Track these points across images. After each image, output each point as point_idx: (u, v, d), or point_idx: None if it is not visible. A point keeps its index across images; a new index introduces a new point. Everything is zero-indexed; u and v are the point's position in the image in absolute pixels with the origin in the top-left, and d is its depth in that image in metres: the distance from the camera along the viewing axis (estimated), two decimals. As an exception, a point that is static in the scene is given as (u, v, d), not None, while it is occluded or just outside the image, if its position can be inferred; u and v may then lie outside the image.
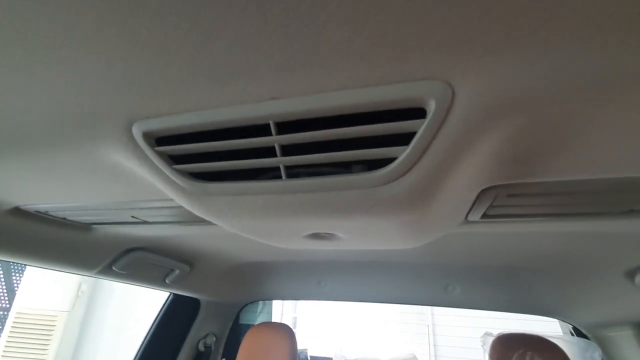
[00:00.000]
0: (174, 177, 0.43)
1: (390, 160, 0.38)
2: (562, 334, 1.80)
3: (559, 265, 1.09)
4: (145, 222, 0.81)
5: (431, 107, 0.31)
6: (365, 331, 5.00)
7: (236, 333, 1.91)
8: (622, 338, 1.29)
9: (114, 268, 1.06)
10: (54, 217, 0.79)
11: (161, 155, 0.41)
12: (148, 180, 0.48)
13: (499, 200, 0.50)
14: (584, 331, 1.45)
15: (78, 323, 4.59)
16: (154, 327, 1.49)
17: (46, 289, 4.32)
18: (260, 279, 1.69)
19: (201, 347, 1.66)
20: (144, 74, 0.31)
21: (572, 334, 1.61)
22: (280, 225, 0.50)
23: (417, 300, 1.56)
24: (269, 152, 0.39)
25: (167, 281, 1.28)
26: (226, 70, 0.30)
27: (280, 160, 0.39)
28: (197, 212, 0.48)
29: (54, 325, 4.32)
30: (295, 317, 5.39)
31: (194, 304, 1.63)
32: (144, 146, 0.41)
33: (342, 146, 0.36)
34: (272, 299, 1.83)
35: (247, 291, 1.74)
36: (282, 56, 0.28)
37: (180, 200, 0.45)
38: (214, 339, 1.71)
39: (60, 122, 0.40)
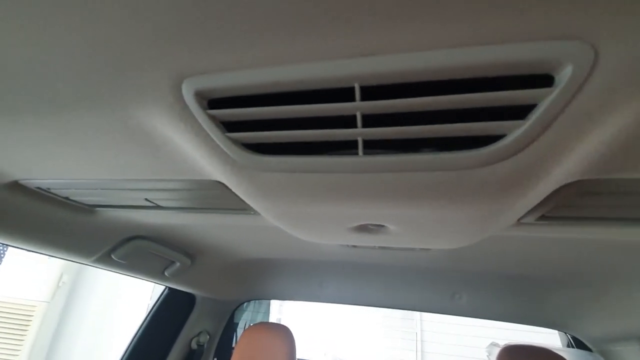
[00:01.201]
0: (225, 146, 0.36)
1: (495, 138, 0.32)
2: (560, 345, 1.78)
3: (576, 276, 1.07)
4: (158, 207, 0.75)
5: (564, 74, 0.26)
6: (351, 335, 4.94)
7: (229, 332, 1.84)
8: (629, 352, 1.28)
9: (113, 256, 0.99)
10: (56, 195, 0.72)
11: (213, 119, 0.35)
12: (185, 153, 0.42)
13: (567, 198, 0.46)
14: (589, 344, 1.43)
15: (57, 315, 4.42)
16: (146, 321, 1.41)
17: (25, 277, 4.14)
18: (260, 277, 1.63)
19: (194, 346, 1.58)
20: (202, 17, 0.26)
21: (572, 346, 1.60)
22: (333, 212, 0.45)
23: (422, 306, 1.52)
24: (342, 122, 0.33)
25: (166, 274, 1.20)
26: (309, 15, 0.25)
27: (361, 133, 0.33)
28: (241, 192, 0.41)
29: (32, 316, 4.14)
30: (280, 319, 5.29)
31: (189, 300, 1.55)
32: (195, 108, 0.34)
33: (428, 120, 0.31)
34: (269, 299, 1.76)
35: (245, 289, 1.68)
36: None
37: (225, 176, 0.39)
38: (207, 337, 1.64)
39: (87, 74, 0.34)
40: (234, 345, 1.91)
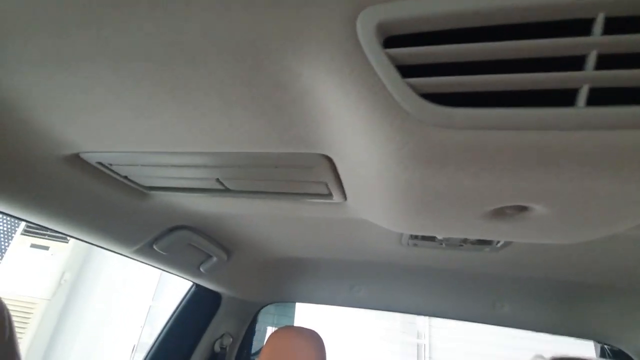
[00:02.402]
0: (399, 95, 0.29)
1: None
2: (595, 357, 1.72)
3: (630, 282, 1.01)
4: (224, 191, 0.69)
5: None
6: (347, 341, 4.79)
7: (248, 337, 1.76)
8: None
9: (155, 247, 0.92)
10: (116, 174, 0.66)
11: (392, 61, 0.28)
12: (314, 112, 0.36)
13: None
14: (635, 359, 1.36)
15: (57, 313, 4.31)
16: (173, 318, 1.34)
17: (26, 274, 4.04)
18: (288, 277, 1.57)
19: (217, 348, 1.51)
20: None
21: (609, 357, 1.53)
22: (483, 187, 0.38)
23: (461, 315, 1.46)
24: (552, 64, 0.27)
25: (201, 269, 1.14)
26: None
27: (592, 77, 0.26)
28: (407, 154, 0.35)
29: (31, 313, 4.04)
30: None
31: (215, 299, 1.48)
32: (371, 47, 0.28)
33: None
34: (294, 301, 1.69)
35: (271, 290, 1.61)
36: None
37: (393, 133, 0.32)
38: (230, 340, 1.56)
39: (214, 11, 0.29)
40: (253, 351, 1.83)
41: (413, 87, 0.29)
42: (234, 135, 0.47)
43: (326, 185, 0.59)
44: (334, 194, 0.62)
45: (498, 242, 0.81)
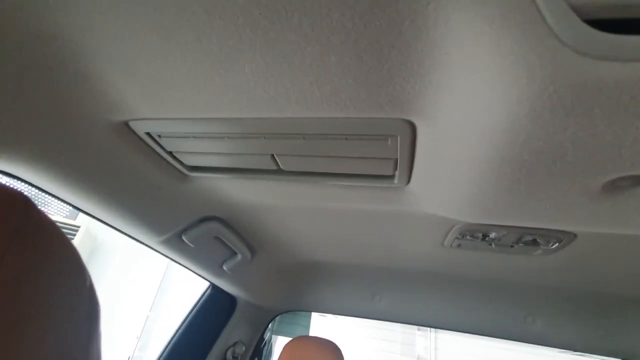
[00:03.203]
0: (557, 20, 0.25)
1: None
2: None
3: None
4: (277, 172, 0.64)
5: None
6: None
7: (260, 344, 1.67)
8: None
9: (183, 238, 0.87)
10: (162, 149, 0.62)
11: None
12: (438, 54, 0.32)
13: None
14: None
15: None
16: (186, 322, 1.27)
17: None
18: (308, 284, 1.50)
19: (229, 357, 1.42)
20: None
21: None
22: (626, 143, 0.34)
23: (487, 330, 1.38)
24: None
25: (224, 267, 1.08)
26: None
27: None
28: (549, 96, 0.30)
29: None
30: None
31: (230, 303, 1.41)
32: None
33: None
34: (312, 311, 1.62)
35: (288, 297, 1.54)
36: None
37: (537, 69, 0.28)
38: (243, 348, 1.48)
39: None
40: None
41: (576, 10, 0.25)
42: (314, 95, 0.43)
43: (395, 162, 0.55)
44: (398, 175, 0.58)
45: (555, 243, 0.76)
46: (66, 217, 4.52)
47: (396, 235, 0.92)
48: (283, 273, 1.37)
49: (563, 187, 0.44)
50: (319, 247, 1.14)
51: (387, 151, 0.52)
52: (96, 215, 0.74)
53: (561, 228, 0.58)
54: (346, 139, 0.50)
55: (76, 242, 4.26)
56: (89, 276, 0.30)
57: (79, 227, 4.42)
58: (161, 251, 0.92)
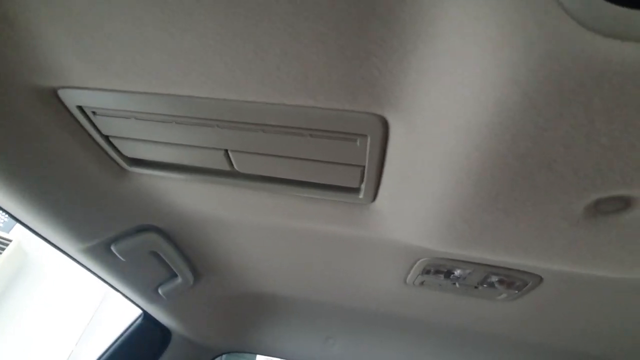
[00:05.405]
0: None
1: None
2: None
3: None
4: (229, 173, 0.56)
5: None
6: None
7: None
8: None
9: (112, 248, 0.75)
10: (96, 130, 0.53)
11: None
12: (421, 31, 0.28)
13: None
14: None
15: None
16: (107, 356, 1.07)
17: None
18: (256, 320, 1.35)
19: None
20: None
21: None
22: (621, 150, 0.30)
23: None
24: None
25: (160, 291, 0.94)
26: None
27: None
28: (545, 76, 0.25)
29: None
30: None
31: (163, 337, 1.23)
32: None
33: None
34: (257, 353, 1.44)
35: (233, 334, 1.37)
36: None
37: (534, 44, 0.24)
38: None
39: None
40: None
41: None
42: (280, 73, 0.37)
43: (362, 172, 0.49)
44: (364, 188, 0.52)
45: (519, 287, 0.72)
46: (-1, 229, 4.04)
47: (357, 266, 0.84)
48: (229, 305, 1.22)
49: (544, 206, 0.39)
50: (271, 277, 1.03)
51: (354, 155, 0.47)
52: (3, 207, 0.61)
53: (532, 263, 0.53)
54: (311, 135, 0.45)
55: (3, 257, 3.77)
56: None
57: (10, 240, 3.94)
58: (82, 262, 0.78)
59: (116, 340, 1.12)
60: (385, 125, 0.41)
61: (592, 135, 0.30)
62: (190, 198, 0.68)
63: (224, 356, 1.47)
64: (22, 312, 4.02)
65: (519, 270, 0.67)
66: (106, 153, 0.58)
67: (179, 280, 0.95)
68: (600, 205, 0.38)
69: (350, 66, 0.34)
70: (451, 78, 0.32)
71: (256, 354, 1.45)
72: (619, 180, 0.33)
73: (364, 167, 0.48)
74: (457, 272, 0.72)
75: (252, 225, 0.74)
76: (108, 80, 0.44)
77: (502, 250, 0.51)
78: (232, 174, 0.58)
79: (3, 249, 3.89)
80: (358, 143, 0.45)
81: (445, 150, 0.38)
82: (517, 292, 0.73)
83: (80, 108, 0.49)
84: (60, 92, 0.47)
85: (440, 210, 0.46)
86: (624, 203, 0.37)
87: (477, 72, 0.29)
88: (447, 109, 0.34)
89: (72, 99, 0.47)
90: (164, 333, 1.22)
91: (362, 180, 0.51)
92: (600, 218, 0.40)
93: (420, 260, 0.73)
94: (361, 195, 0.54)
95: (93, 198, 0.64)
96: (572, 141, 0.31)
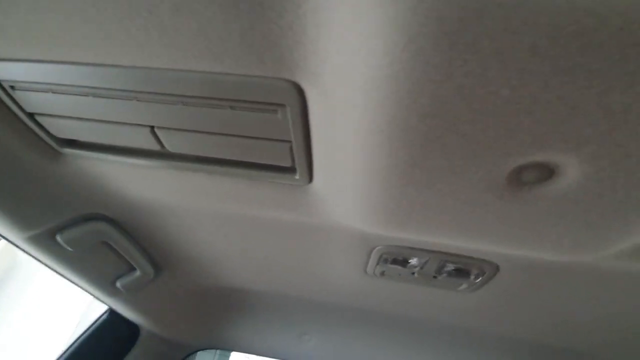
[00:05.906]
0: None
1: None
2: None
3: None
4: (162, 156, 0.54)
5: None
6: None
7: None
8: None
9: (58, 238, 0.72)
10: (19, 108, 0.50)
11: None
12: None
13: None
14: None
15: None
16: (70, 352, 1.04)
17: None
18: (229, 316, 1.33)
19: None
20: None
21: None
22: (535, 113, 0.27)
23: None
24: None
25: (118, 285, 0.91)
26: None
27: None
28: (450, 28, 0.23)
29: None
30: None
31: (130, 333, 1.20)
32: None
33: None
34: (232, 350, 1.41)
35: (205, 331, 1.34)
36: None
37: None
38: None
39: None
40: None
41: None
42: (178, 33, 0.34)
43: (290, 147, 0.46)
44: (298, 168, 0.50)
45: (477, 276, 0.69)
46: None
47: (317, 257, 0.81)
48: (198, 300, 1.19)
49: (463, 175, 0.36)
50: (233, 269, 1.00)
51: (279, 129, 0.44)
52: None
53: (471, 245, 0.50)
54: (231, 107, 0.42)
55: (-9, 257, 3.74)
56: None
57: (-2, 240, 3.90)
58: (30, 252, 0.75)
59: (80, 336, 1.09)
60: (300, 93, 0.39)
61: (491, 87, 0.27)
62: (132, 183, 0.65)
63: (198, 353, 1.44)
64: (11, 312, 3.99)
65: (473, 258, 0.64)
66: (34, 132, 0.56)
67: (138, 273, 0.92)
68: (522, 174, 0.35)
69: (248, 22, 0.32)
70: (347, 32, 0.29)
71: (231, 351, 1.42)
72: (533, 143, 0.30)
73: (291, 142, 0.46)
74: (414, 261, 0.69)
75: (199, 213, 0.71)
76: (23, 50, 0.41)
77: (440, 232, 0.48)
78: (165, 155, 0.55)
79: (-8, 249, 3.86)
80: (279, 115, 0.42)
81: (356, 116, 0.35)
82: (476, 281, 0.71)
83: (13, 87, 0.46)
84: None
85: (367, 187, 0.43)
86: (548, 172, 0.34)
87: (367, 22, 0.26)
88: (351, 68, 0.31)
89: (5, 75, 0.45)
90: (132, 329, 1.19)
91: (292, 158, 0.49)
92: (525, 190, 0.37)
93: (377, 249, 0.70)
94: (297, 176, 0.52)
95: (27, 183, 0.61)
96: (470, 96, 0.28)
